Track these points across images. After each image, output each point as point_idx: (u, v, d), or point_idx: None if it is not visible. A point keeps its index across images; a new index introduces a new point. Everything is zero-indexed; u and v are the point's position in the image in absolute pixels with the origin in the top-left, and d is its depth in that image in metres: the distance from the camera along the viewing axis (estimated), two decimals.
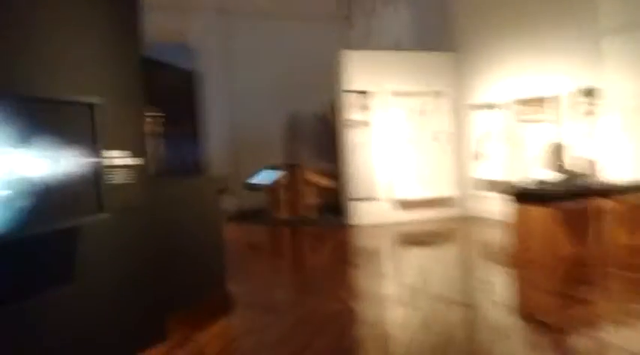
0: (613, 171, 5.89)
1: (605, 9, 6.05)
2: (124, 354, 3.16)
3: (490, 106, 8.15)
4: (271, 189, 9.22)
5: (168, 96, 6.84)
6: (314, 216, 9.09)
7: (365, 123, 8.43)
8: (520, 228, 5.46)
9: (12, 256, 2.38)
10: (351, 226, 8.23)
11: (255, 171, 9.71)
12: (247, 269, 5.78)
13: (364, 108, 8.41)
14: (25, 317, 2.51)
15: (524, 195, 5.40)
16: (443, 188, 8.80)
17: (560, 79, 6.92)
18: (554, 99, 7.00)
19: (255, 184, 9.44)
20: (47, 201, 2.34)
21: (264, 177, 9.41)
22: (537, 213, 5.20)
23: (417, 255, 6.58)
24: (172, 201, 4.29)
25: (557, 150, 5.66)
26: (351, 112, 8.36)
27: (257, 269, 5.88)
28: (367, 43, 10.00)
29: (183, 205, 4.50)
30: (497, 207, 7.34)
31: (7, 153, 2.14)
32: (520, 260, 5.44)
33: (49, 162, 2.36)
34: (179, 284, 4.07)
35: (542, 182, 5.54)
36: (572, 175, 5.53)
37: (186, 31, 9.95)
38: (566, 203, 5.17)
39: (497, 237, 6.57)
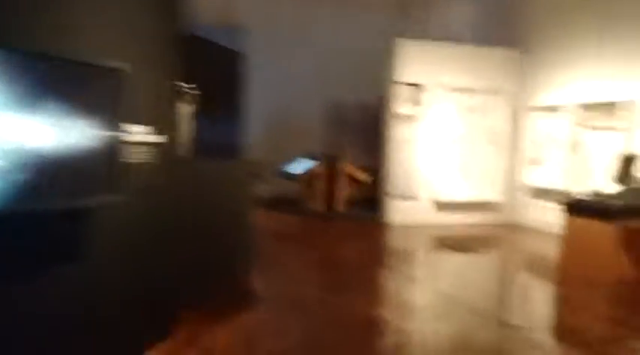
0: None
1: None
2: (126, 346, 2.92)
3: (553, 109, 7.59)
4: (306, 178, 8.92)
5: (210, 74, 6.63)
6: (349, 210, 8.76)
7: (414, 118, 8.01)
8: (574, 243, 5.00)
9: (4, 233, 2.12)
10: (388, 224, 7.88)
11: (292, 159, 9.44)
12: (274, 260, 5.52)
13: (415, 101, 7.99)
14: (20, 294, 2.26)
15: (584, 208, 4.93)
16: (490, 192, 8.32)
17: (636, 84, 6.32)
18: (628, 106, 6.37)
19: (289, 172, 9.15)
20: (51, 176, 2.09)
21: (301, 166, 9.12)
22: (597, 228, 4.74)
23: (455, 262, 6.19)
24: (200, 183, 4.06)
25: (627, 162, 5.12)
26: (401, 105, 7.95)
27: (284, 261, 5.61)
28: (425, 34, 9.51)
29: (212, 189, 4.27)
30: (550, 218, 6.91)
31: (5, 117, 1.89)
32: (570, 278, 5.00)
33: (56, 133, 2.10)
34: (199, 272, 3.83)
35: (605, 195, 5.03)
36: (637, 190, 5.01)
37: (234, 11, 9.70)
38: (630, 220, 4.68)
39: (546, 250, 6.11)
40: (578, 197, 5.25)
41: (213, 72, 6.74)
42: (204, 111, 5.15)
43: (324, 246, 6.83)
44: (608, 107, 6.63)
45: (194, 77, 4.77)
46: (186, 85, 4.42)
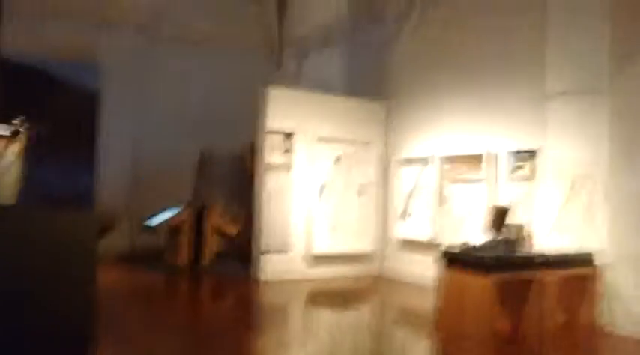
0: (550, 240, 5.43)
1: (553, 71, 5.68)
2: None
3: (420, 161, 7.65)
4: (170, 230, 8.06)
5: (56, 114, 5.87)
6: (217, 265, 8.05)
7: (285, 168, 7.64)
8: (449, 297, 4.81)
9: None
10: (259, 280, 7.29)
11: (157, 209, 8.55)
12: (126, 327, 4.69)
13: (286, 151, 7.66)
14: None
15: (457, 260, 4.78)
16: (363, 244, 8.14)
17: (498, 139, 6.53)
18: (491, 159, 6.56)
19: (152, 224, 8.23)
20: None
21: (165, 217, 8.24)
22: (471, 281, 4.58)
23: (328, 319, 5.76)
24: (20, 240, 3.25)
25: (500, 213, 5.12)
26: (271, 155, 7.55)
27: (139, 328, 4.80)
28: (296, 83, 9.38)
29: (39, 247, 3.45)
30: (422, 270, 6.83)
31: None
32: (446, 332, 4.78)
33: None
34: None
35: (476, 247, 4.94)
36: (508, 242, 4.99)
37: (96, 47, 8.84)
38: (502, 273, 4.59)
39: (420, 303, 5.93)
40: (451, 249, 5.12)
41: (59, 111, 5.97)
42: (41, 152, 4.36)
43: (188, 308, 6.09)
44: (472, 159, 6.79)
45: (35, 116, 4.04)
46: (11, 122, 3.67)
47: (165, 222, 7.99)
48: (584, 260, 5.17)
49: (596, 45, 5.40)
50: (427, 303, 5.32)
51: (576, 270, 5.09)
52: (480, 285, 4.52)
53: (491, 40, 6.71)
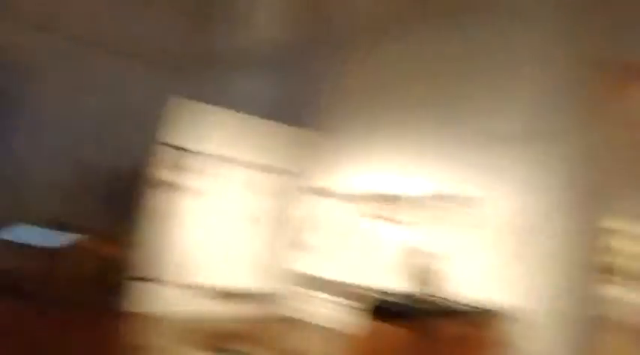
0: (471, 290, 5.06)
1: (498, 116, 5.50)
2: None
3: (334, 195, 7.22)
4: (35, 253, 6.81)
5: None
6: (85, 294, 6.90)
7: (181, 189, 6.86)
8: (362, 348, 4.30)
9: None
10: (133, 313, 6.28)
11: (16, 225, 7.21)
12: None
13: (184, 170, 6.88)
14: None
15: (382, 309, 4.29)
16: (256, 278, 7.47)
17: (427, 181, 6.10)
18: (413, 200, 6.13)
19: (11, 243, 6.92)
20: None
21: (31, 236, 6.97)
22: (391, 332, 4.11)
23: None
24: None
25: (413, 258, 4.71)
26: (167, 173, 6.73)
27: None
28: (208, 99, 8.55)
29: None
30: (324, 310, 6.37)
31: None
32: None
33: None
34: None
35: (389, 293, 4.48)
36: (424, 290, 4.58)
37: None
38: (432, 327, 4.16)
39: (323, 350, 5.36)
40: (367, 294, 4.62)
41: None
42: None
43: (41, 348, 5.01)
44: (393, 198, 6.40)
45: None
46: None
47: (34, 243, 6.76)
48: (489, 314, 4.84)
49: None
50: (331, 350, 4.78)
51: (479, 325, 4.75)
52: (401, 336, 4.06)
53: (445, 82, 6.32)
